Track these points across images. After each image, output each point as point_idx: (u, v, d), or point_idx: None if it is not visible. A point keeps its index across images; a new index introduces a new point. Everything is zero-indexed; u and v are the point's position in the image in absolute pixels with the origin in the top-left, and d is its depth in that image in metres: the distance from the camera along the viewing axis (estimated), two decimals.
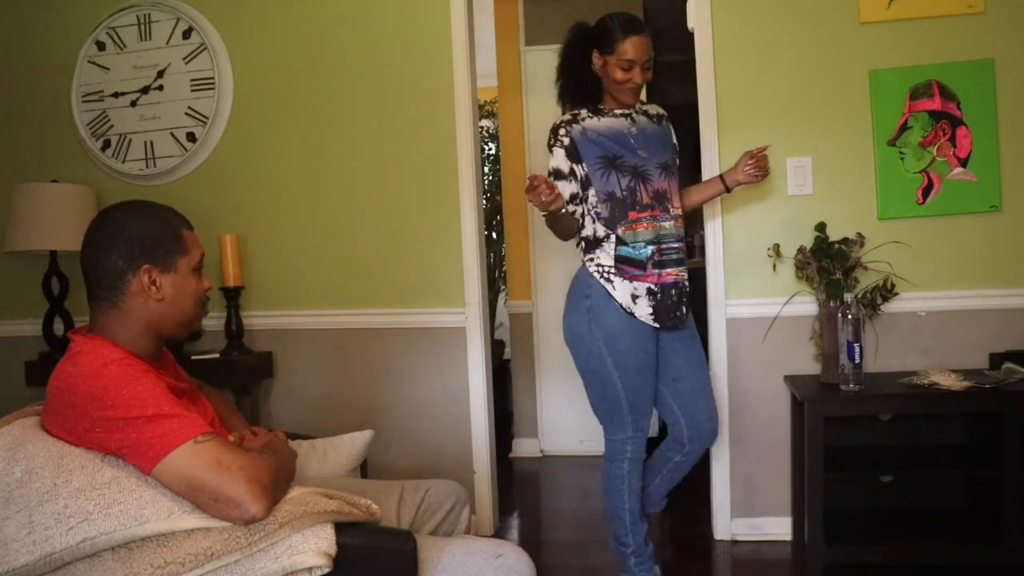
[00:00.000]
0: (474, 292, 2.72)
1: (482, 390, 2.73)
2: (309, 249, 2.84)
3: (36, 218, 2.68)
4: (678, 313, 2.08)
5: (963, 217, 2.45)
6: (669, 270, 2.05)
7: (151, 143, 2.90)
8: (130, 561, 1.14)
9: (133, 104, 2.91)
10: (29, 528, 1.14)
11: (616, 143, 2.05)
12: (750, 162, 2.13)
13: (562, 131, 2.07)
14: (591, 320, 2.04)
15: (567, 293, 2.16)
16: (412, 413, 2.78)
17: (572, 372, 3.80)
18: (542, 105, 3.84)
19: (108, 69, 2.93)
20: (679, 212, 2.12)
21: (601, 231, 2.06)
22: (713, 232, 2.59)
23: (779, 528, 2.57)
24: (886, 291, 2.38)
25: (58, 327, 2.80)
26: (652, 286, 2.02)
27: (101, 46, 2.93)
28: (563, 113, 2.14)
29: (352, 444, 1.84)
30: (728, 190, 2.21)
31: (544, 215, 2.02)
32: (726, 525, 2.61)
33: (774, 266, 2.53)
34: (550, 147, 2.09)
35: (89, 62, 2.94)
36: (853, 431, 2.46)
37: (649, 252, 2.02)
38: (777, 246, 2.50)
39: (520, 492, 3.43)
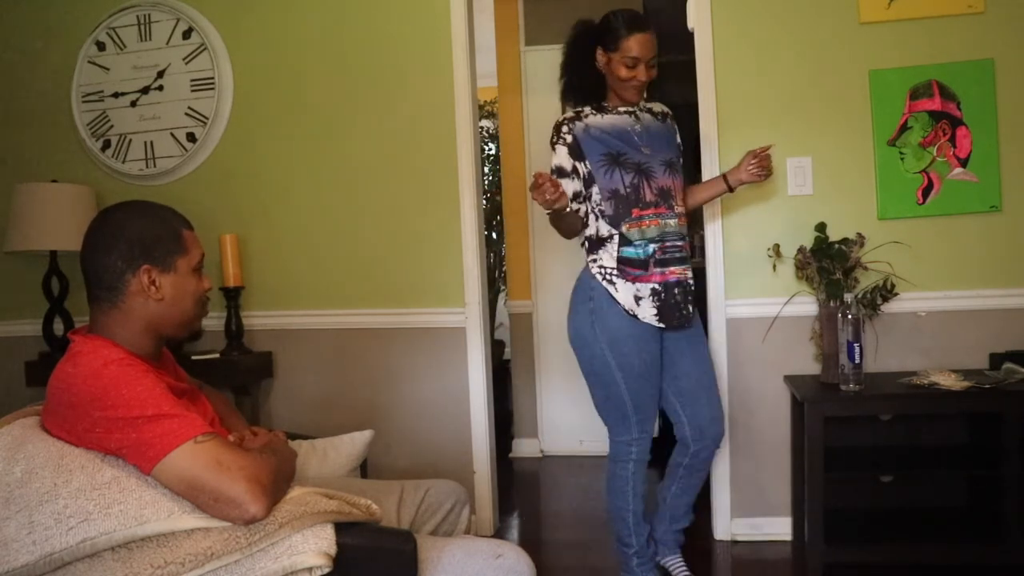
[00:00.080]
0: (474, 292, 2.72)
1: (482, 390, 2.73)
2: (309, 249, 2.84)
3: (36, 218, 2.68)
4: (683, 312, 2.06)
5: (963, 217, 2.45)
6: (672, 268, 2.03)
7: (151, 143, 2.90)
8: (130, 561, 1.14)
9: (133, 104, 2.91)
10: (29, 528, 1.14)
11: (620, 140, 2.04)
12: (753, 161, 2.12)
13: (565, 128, 2.07)
14: (594, 322, 2.03)
15: (571, 294, 2.14)
16: (412, 413, 2.78)
17: (572, 372, 3.81)
18: (542, 105, 3.84)
19: (108, 69, 2.93)
20: (683, 210, 2.11)
21: (605, 230, 2.04)
22: (713, 232, 2.59)
23: (779, 528, 2.57)
24: (886, 291, 2.39)
25: (58, 327, 2.80)
26: (656, 286, 2.01)
27: (101, 46, 2.93)
28: (566, 111, 2.13)
29: (352, 444, 1.84)
30: (731, 189, 2.20)
31: (548, 213, 2.01)
32: (726, 525, 2.61)
33: (774, 266, 2.53)
34: (553, 145, 2.08)
35: (89, 62, 2.94)
36: (853, 431, 2.46)
37: (651, 250, 2.01)
38: (777, 246, 2.50)
39: (520, 492, 3.43)
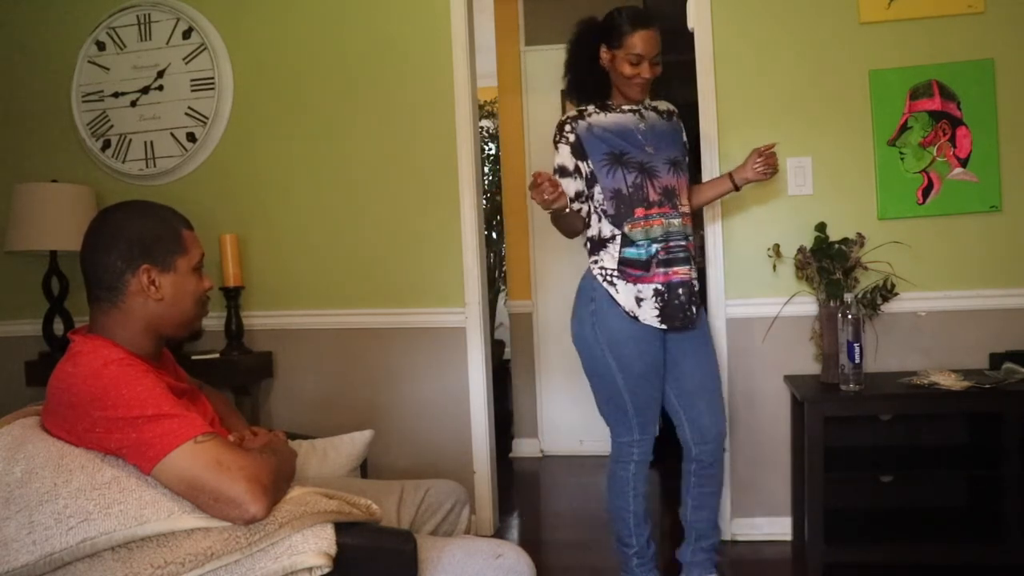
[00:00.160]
0: (474, 292, 2.72)
1: (482, 390, 2.73)
2: (309, 249, 2.84)
3: (36, 218, 2.68)
4: (687, 313, 2.02)
5: (963, 217, 2.45)
6: (676, 269, 2.00)
7: (151, 143, 2.90)
8: (130, 561, 1.14)
9: (133, 104, 2.91)
10: (29, 528, 1.14)
11: (623, 139, 2.02)
12: (759, 159, 2.10)
13: (567, 127, 2.06)
14: (595, 323, 2.02)
15: (575, 295, 2.12)
16: (412, 413, 2.78)
17: (572, 372, 3.83)
18: (542, 105, 3.84)
19: (108, 69, 2.93)
20: (687, 210, 2.08)
21: (607, 230, 2.02)
22: (713, 232, 2.59)
23: (779, 528, 2.57)
24: (886, 291, 2.39)
25: (58, 327, 2.80)
26: (659, 286, 1.99)
27: (101, 46, 2.93)
28: (570, 109, 2.11)
29: (352, 444, 1.84)
30: (737, 188, 2.18)
31: (549, 212, 2.01)
32: (726, 525, 2.61)
33: (774, 266, 2.53)
34: (555, 144, 2.07)
35: (89, 62, 2.94)
36: (853, 431, 2.45)
37: (654, 251, 1.98)
38: (777, 246, 2.50)
39: (520, 492, 3.43)
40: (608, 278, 2.01)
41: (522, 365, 3.92)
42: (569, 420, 3.87)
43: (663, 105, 2.17)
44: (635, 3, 3.65)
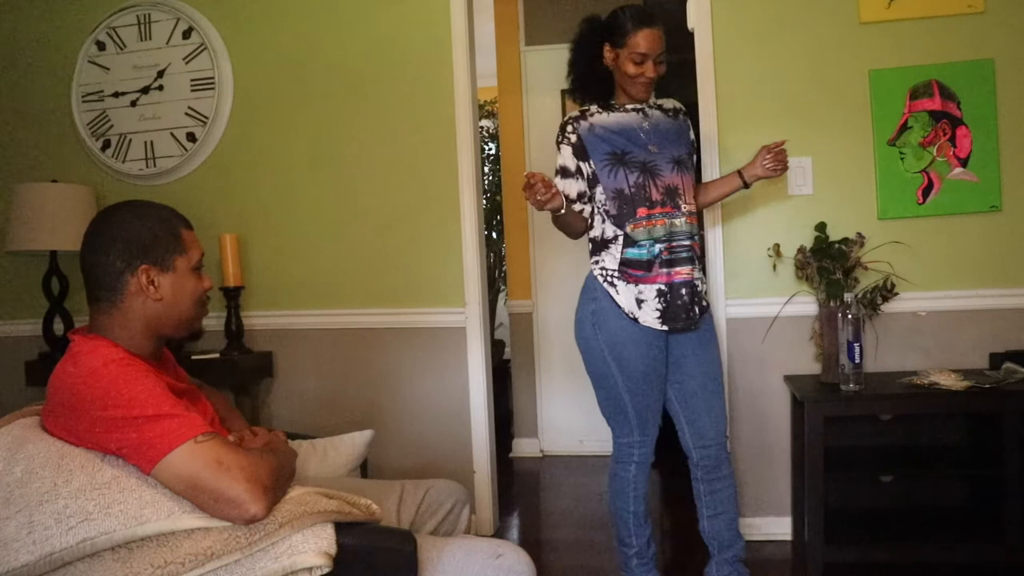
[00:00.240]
0: (474, 292, 2.72)
1: (482, 390, 2.74)
2: (309, 249, 2.84)
3: (36, 218, 2.68)
4: (690, 314, 1.99)
5: (963, 217, 2.45)
6: (679, 269, 1.97)
7: (151, 143, 2.90)
8: (130, 561, 1.14)
9: (133, 104, 2.91)
10: (29, 528, 1.14)
11: (625, 139, 2.01)
12: (768, 156, 2.07)
13: (569, 128, 2.05)
14: (595, 324, 2.02)
15: (580, 294, 2.11)
16: (412, 413, 2.78)
17: (572, 372, 3.84)
18: (542, 105, 3.85)
19: (108, 69, 2.93)
20: (692, 209, 2.04)
21: (610, 231, 2.01)
22: (713, 232, 2.59)
23: (779, 528, 2.57)
24: (886, 291, 2.39)
25: (58, 327, 2.80)
26: (662, 286, 1.96)
27: (101, 46, 2.93)
28: (572, 109, 2.11)
29: (352, 444, 1.84)
30: (747, 185, 2.14)
31: (551, 213, 2.00)
32: None
33: (774, 266, 2.53)
34: (558, 144, 2.07)
35: (89, 62, 2.94)
36: (853, 431, 2.46)
37: (657, 251, 1.96)
38: (777, 246, 2.50)
39: (520, 492, 3.43)
40: (608, 279, 2.00)
41: (522, 365, 3.92)
42: (569, 420, 3.88)
43: (669, 103, 2.15)
44: (635, 3, 3.65)
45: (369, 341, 2.80)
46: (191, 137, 2.87)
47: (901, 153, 2.46)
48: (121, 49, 2.92)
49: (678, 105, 2.17)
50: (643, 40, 1.95)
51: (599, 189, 2.02)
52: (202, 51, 2.85)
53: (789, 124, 2.51)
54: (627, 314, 1.98)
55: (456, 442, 2.75)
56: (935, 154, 2.44)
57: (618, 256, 2.00)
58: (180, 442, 1.17)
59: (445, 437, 2.76)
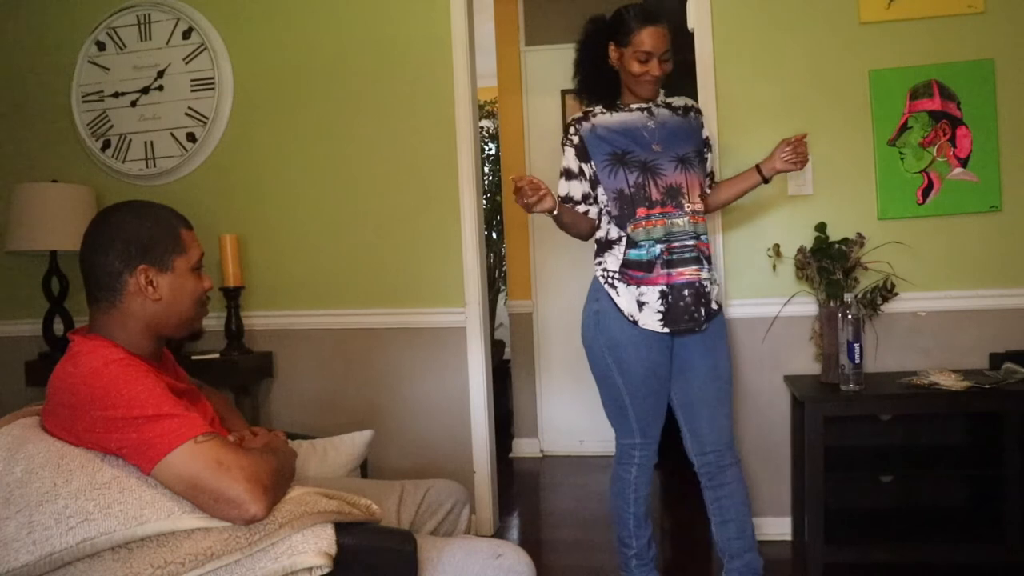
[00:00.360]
0: (474, 292, 2.72)
1: (482, 390, 2.74)
2: (309, 249, 2.84)
3: (36, 218, 2.68)
4: (694, 315, 1.95)
5: (963, 217, 2.45)
6: (681, 270, 1.94)
7: (151, 143, 2.90)
8: (130, 561, 1.14)
9: (133, 104, 2.91)
10: (29, 528, 1.14)
11: (627, 138, 1.99)
12: (787, 149, 2.02)
13: (572, 130, 2.05)
14: (597, 325, 2.01)
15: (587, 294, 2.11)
16: (412, 413, 2.78)
17: (572, 372, 3.84)
18: (542, 105, 3.84)
19: (108, 69, 2.93)
20: (697, 208, 1.99)
21: (614, 232, 2.00)
22: (713, 232, 2.58)
23: (779, 528, 2.57)
24: (886, 291, 2.39)
25: (58, 327, 2.80)
26: (664, 287, 1.94)
27: (101, 46, 2.93)
28: (577, 110, 2.10)
29: (352, 444, 1.84)
30: (766, 180, 2.09)
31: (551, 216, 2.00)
32: None
33: (774, 266, 2.53)
34: (562, 146, 2.06)
35: (89, 62, 2.94)
36: (853, 431, 2.46)
37: (658, 251, 1.94)
38: (777, 246, 2.50)
39: (520, 492, 3.43)
40: (610, 280, 2.00)
41: (522, 365, 3.92)
42: (569, 420, 3.88)
43: (679, 101, 2.12)
44: (637, 2, 3.65)
45: (369, 341, 2.80)
46: (191, 137, 2.87)
47: (901, 153, 2.46)
48: (121, 49, 2.92)
49: (689, 103, 2.13)
50: (647, 38, 1.93)
51: (600, 190, 2.01)
52: (202, 51, 2.85)
53: (789, 124, 2.51)
54: (626, 316, 1.97)
55: (456, 442, 2.75)
56: (935, 154, 2.45)
57: (620, 257, 1.98)
58: (180, 442, 1.17)
59: (445, 437, 2.76)
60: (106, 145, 2.94)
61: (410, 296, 2.77)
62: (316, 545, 1.17)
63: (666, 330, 1.96)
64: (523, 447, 3.94)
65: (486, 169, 4.74)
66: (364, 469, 1.97)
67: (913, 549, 2.20)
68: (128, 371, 1.22)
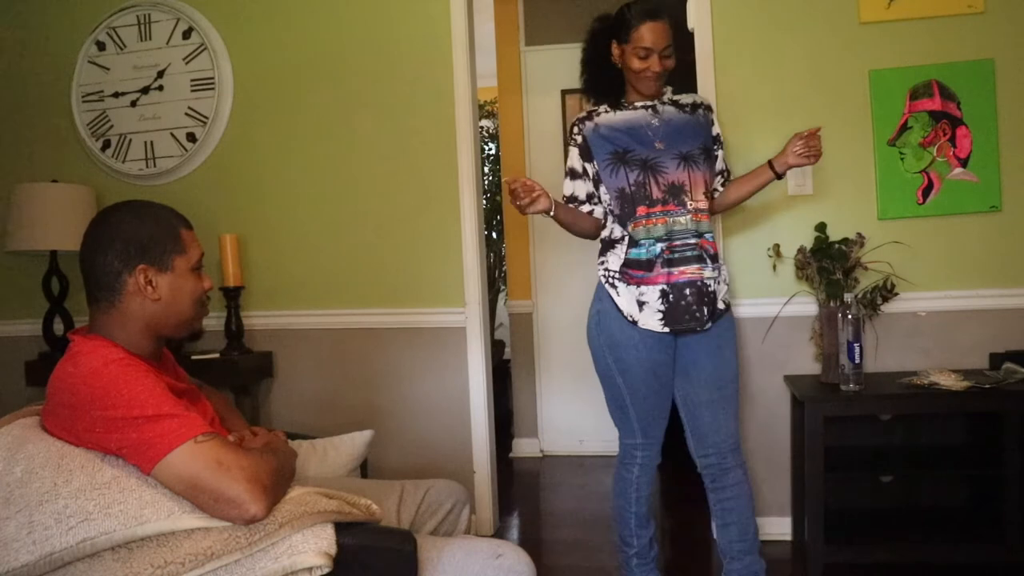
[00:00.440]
0: (474, 292, 2.72)
1: (482, 390, 2.73)
2: (309, 249, 2.84)
3: (36, 218, 2.68)
4: (696, 315, 1.92)
5: (963, 217, 2.45)
6: (683, 268, 1.92)
7: (151, 143, 2.90)
8: (130, 561, 1.14)
9: (133, 104, 2.91)
10: (29, 528, 1.14)
11: (629, 137, 1.98)
12: (799, 143, 1.97)
13: (575, 129, 2.05)
14: (598, 325, 2.01)
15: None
16: (412, 413, 2.78)
17: (572, 372, 3.84)
18: (542, 105, 3.84)
19: (108, 69, 2.93)
20: (700, 206, 1.96)
21: (617, 231, 2.00)
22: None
23: (779, 528, 2.57)
24: (886, 291, 2.39)
25: (58, 327, 2.80)
26: (664, 287, 1.92)
27: (101, 46, 2.93)
28: (582, 109, 2.10)
29: (352, 444, 1.84)
30: (779, 176, 2.04)
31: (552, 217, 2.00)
32: None
33: (774, 266, 2.53)
34: (567, 146, 2.07)
35: (89, 62, 2.94)
36: (853, 431, 2.46)
37: (658, 250, 1.92)
38: (777, 246, 2.50)
39: (520, 492, 3.43)
40: (610, 280, 2.00)
41: (522, 365, 3.92)
42: (569, 420, 3.88)
43: (687, 98, 2.08)
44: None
45: (369, 341, 2.80)
46: (191, 137, 2.87)
47: (901, 153, 2.46)
48: (121, 49, 2.92)
49: (699, 99, 2.10)
50: (647, 34, 1.91)
51: (603, 189, 2.01)
52: (202, 51, 2.85)
53: (789, 124, 2.50)
54: (626, 317, 1.96)
55: (456, 442, 2.75)
56: (935, 154, 2.44)
57: (622, 256, 1.97)
58: (180, 442, 1.17)
59: (445, 437, 2.76)
60: (106, 145, 2.94)
61: (410, 296, 2.77)
62: (316, 545, 1.17)
63: (666, 330, 1.94)
64: (523, 447, 3.94)
65: (486, 169, 4.74)
66: (364, 469, 1.97)
67: (913, 549, 2.20)
68: (128, 371, 1.22)
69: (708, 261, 1.95)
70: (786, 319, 2.53)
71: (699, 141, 2.01)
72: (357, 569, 1.21)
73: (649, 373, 1.97)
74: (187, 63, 2.87)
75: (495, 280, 4.79)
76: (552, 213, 1.97)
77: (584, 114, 2.06)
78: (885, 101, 2.46)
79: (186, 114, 2.87)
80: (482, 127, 4.86)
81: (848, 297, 2.26)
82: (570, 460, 3.81)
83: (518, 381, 3.94)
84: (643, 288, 1.94)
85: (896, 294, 2.40)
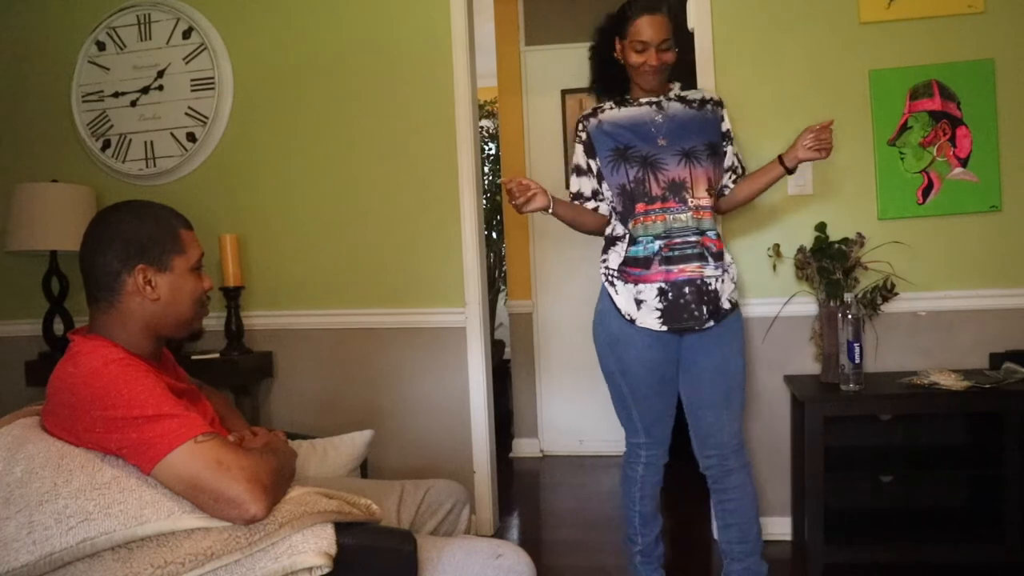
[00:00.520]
0: (474, 292, 2.72)
1: (482, 390, 2.73)
2: (309, 249, 2.84)
3: (36, 218, 2.68)
4: (695, 313, 1.90)
5: (963, 217, 2.45)
6: (682, 266, 1.89)
7: (151, 143, 2.90)
8: (130, 561, 1.14)
9: (133, 104, 2.91)
10: (29, 528, 1.14)
11: (631, 133, 1.97)
12: (810, 136, 1.92)
13: (580, 126, 2.06)
14: (601, 324, 2.02)
15: None
16: (412, 413, 2.78)
17: (572, 372, 3.84)
18: (542, 105, 3.84)
19: (108, 69, 2.93)
20: (702, 203, 1.93)
21: (619, 229, 1.99)
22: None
23: (779, 528, 2.57)
24: (886, 291, 2.39)
25: (58, 327, 2.80)
26: (662, 285, 1.90)
27: (101, 46, 2.93)
28: (587, 107, 2.10)
29: (352, 444, 1.84)
30: (790, 171, 2.00)
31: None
32: None
33: (774, 266, 2.53)
34: (574, 143, 2.08)
35: (89, 62, 2.94)
36: (853, 431, 2.46)
37: (656, 247, 1.91)
38: (777, 246, 2.50)
39: (520, 492, 3.43)
40: (610, 278, 1.99)
41: (522, 365, 3.92)
42: (569, 420, 3.87)
43: (696, 94, 2.06)
44: None
45: (369, 341, 2.80)
46: (191, 137, 2.87)
47: (901, 153, 2.46)
48: (121, 49, 2.92)
49: (708, 95, 2.07)
50: (643, 27, 1.90)
51: (605, 186, 2.02)
52: (202, 51, 2.85)
53: (789, 124, 2.51)
54: (624, 315, 1.95)
55: (456, 442, 2.75)
56: (935, 154, 2.44)
57: (623, 254, 1.97)
58: (180, 442, 1.17)
59: (445, 437, 2.76)
60: (106, 145, 2.94)
61: (410, 296, 2.77)
62: (316, 545, 1.17)
63: (664, 328, 1.93)
64: (523, 447, 3.94)
65: (486, 169, 4.74)
66: (364, 469, 1.97)
67: (913, 549, 2.20)
68: (128, 371, 1.22)
69: (710, 259, 1.92)
70: (786, 319, 2.53)
71: (704, 137, 1.98)
72: (357, 569, 1.21)
73: (650, 373, 1.96)
74: (187, 63, 2.86)
75: (495, 280, 4.79)
76: (551, 210, 1.97)
77: (589, 111, 2.07)
78: (885, 101, 2.46)
79: (186, 114, 2.87)
80: (482, 127, 4.86)
81: (848, 297, 2.26)
82: (570, 460, 3.81)
83: (518, 381, 3.94)
84: (640, 286, 1.93)
85: (896, 294, 2.40)
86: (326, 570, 1.17)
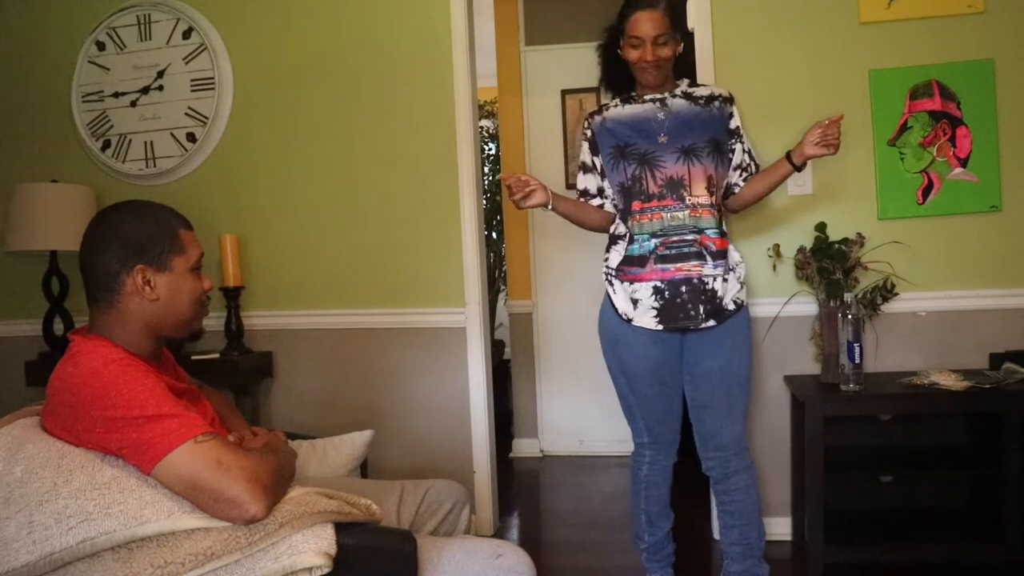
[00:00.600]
0: (474, 292, 2.72)
1: (482, 390, 2.73)
2: (309, 249, 2.84)
3: (36, 218, 2.68)
4: (691, 312, 1.89)
5: (963, 217, 2.45)
6: (679, 265, 1.88)
7: (151, 143, 2.90)
8: (130, 561, 1.14)
9: (133, 104, 2.91)
10: (29, 528, 1.14)
11: (633, 130, 1.96)
12: (816, 132, 1.89)
13: (585, 124, 2.07)
14: (601, 324, 2.02)
15: None
16: (412, 413, 2.78)
17: (572, 372, 3.85)
18: (542, 105, 3.84)
19: (108, 69, 2.93)
20: (700, 201, 1.91)
21: (621, 227, 2.00)
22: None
23: (779, 528, 2.57)
24: (886, 291, 2.39)
25: (58, 327, 2.80)
26: (658, 283, 1.89)
27: (101, 46, 2.93)
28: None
29: (352, 444, 1.84)
30: (798, 168, 1.98)
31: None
32: None
33: (774, 266, 2.53)
34: (580, 141, 2.10)
35: (89, 62, 2.94)
36: (853, 431, 2.46)
37: (652, 246, 1.90)
38: (777, 246, 2.50)
39: (520, 492, 3.43)
40: (609, 277, 2.00)
41: (522, 365, 3.92)
42: (569, 420, 3.87)
43: (704, 90, 2.03)
44: None
45: (369, 341, 2.80)
46: (191, 137, 2.87)
47: (901, 153, 2.46)
48: (121, 49, 2.92)
49: (717, 91, 2.03)
50: (637, 23, 1.88)
51: (607, 183, 2.02)
52: (202, 51, 2.85)
53: (789, 124, 2.51)
54: (621, 316, 1.95)
55: (456, 442, 2.75)
56: (935, 154, 2.44)
57: (623, 252, 1.97)
58: (180, 442, 1.17)
59: (445, 437, 2.76)
60: (106, 145, 2.93)
61: (410, 296, 2.77)
62: (316, 545, 1.17)
63: (660, 327, 1.92)
64: (523, 447, 3.94)
65: (486, 169, 4.74)
66: (364, 469, 1.97)
67: (913, 549, 2.19)
68: (128, 371, 1.22)
69: (708, 258, 1.90)
70: (786, 319, 2.53)
71: (706, 134, 1.96)
72: (357, 569, 1.21)
73: (649, 373, 1.96)
74: (187, 63, 2.86)
75: (495, 280, 4.80)
76: (551, 207, 1.97)
77: (596, 108, 2.08)
78: (885, 101, 2.46)
79: (186, 114, 2.87)
80: (482, 127, 4.86)
81: (848, 297, 2.26)
82: (570, 460, 3.81)
83: (518, 381, 3.94)
84: (636, 285, 1.93)
85: (896, 294, 2.40)
86: (326, 570, 1.17)
